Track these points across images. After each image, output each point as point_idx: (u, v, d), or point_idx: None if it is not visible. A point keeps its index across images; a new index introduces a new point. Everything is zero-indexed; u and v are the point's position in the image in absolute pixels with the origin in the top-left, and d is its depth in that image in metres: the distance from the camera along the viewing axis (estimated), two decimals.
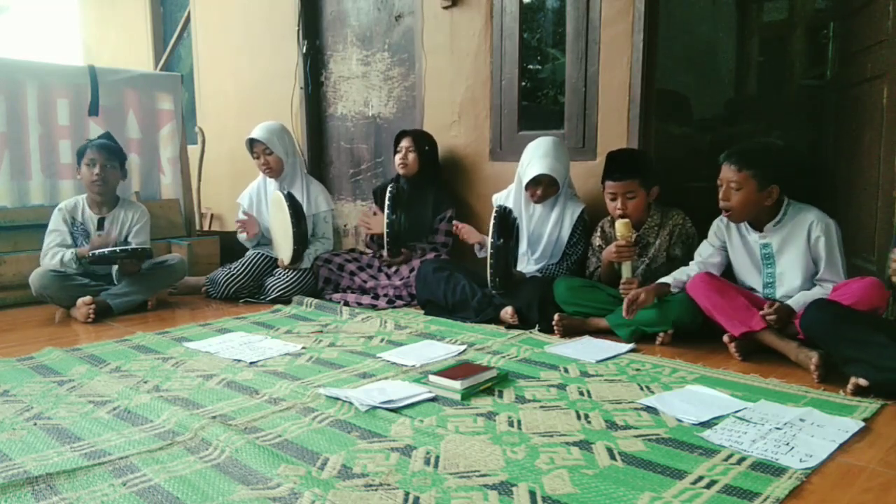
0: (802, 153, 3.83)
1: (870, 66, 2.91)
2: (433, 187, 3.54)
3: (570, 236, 3.04)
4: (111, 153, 3.24)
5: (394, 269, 3.47)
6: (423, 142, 3.52)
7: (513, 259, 2.95)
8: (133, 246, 3.20)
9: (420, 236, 3.51)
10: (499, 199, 3.17)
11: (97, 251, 3.10)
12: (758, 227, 2.48)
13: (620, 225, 2.66)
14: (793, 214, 2.42)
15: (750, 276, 2.54)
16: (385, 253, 3.44)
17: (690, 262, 2.64)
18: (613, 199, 2.75)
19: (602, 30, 3.11)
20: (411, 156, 3.47)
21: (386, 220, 3.32)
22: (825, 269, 2.36)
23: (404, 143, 3.49)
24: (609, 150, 2.88)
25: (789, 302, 2.32)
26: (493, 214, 2.86)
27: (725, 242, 2.58)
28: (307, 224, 3.49)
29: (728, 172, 2.39)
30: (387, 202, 3.31)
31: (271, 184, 3.68)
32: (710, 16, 4.36)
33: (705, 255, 2.61)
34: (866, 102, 2.94)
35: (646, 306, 2.47)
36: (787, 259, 2.42)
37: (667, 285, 2.55)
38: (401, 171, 3.51)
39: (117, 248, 3.14)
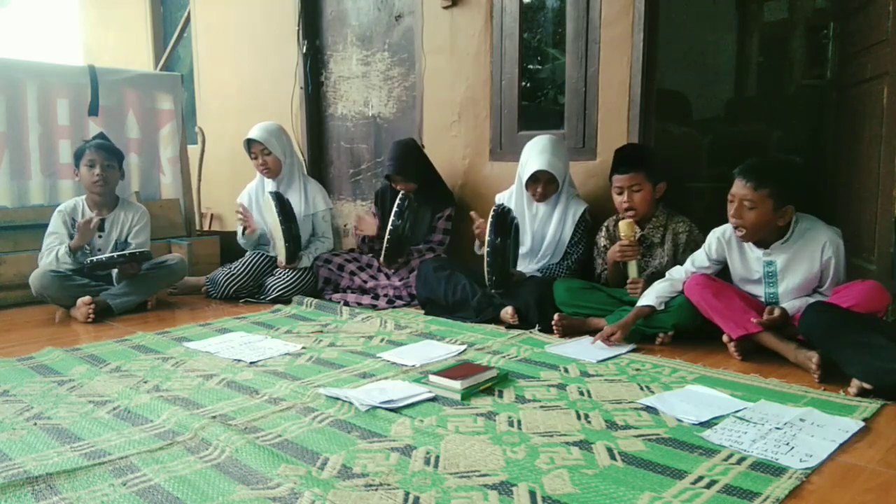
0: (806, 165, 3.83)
1: (870, 66, 2.90)
2: (430, 189, 3.52)
3: (572, 236, 3.04)
4: (110, 153, 3.24)
5: (394, 269, 3.46)
6: (411, 172, 3.44)
7: (512, 259, 2.95)
8: (130, 250, 3.20)
9: (419, 240, 3.50)
10: (501, 199, 3.17)
11: (95, 258, 3.11)
12: (762, 244, 2.39)
13: (623, 225, 2.67)
14: (801, 232, 2.33)
15: (751, 291, 2.49)
16: (381, 260, 3.41)
17: (677, 267, 2.60)
18: (620, 193, 2.74)
19: (602, 30, 3.11)
20: (411, 185, 3.46)
21: (390, 227, 3.28)
22: (828, 287, 2.33)
23: (400, 185, 3.46)
24: (615, 148, 2.86)
25: (785, 306, 2.31)
26: (491, 213, 2.86)
27: (726, 259, 2.53)
28: (299, 222, 3.47)
29: (742, 189, 2.26)
30: (395, 209, 3.27)
31: (269, 184, 3.67)
32: (710, 16, 4.36)
33: (699, 265, 2.55)
34: (866, 102, 2.94)
35: (622, 338, 2.44)
36: (793, 278, 2.36)
37: (648, 307, 2.50)
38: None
39: (115, 254, 3.15)
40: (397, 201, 3.29)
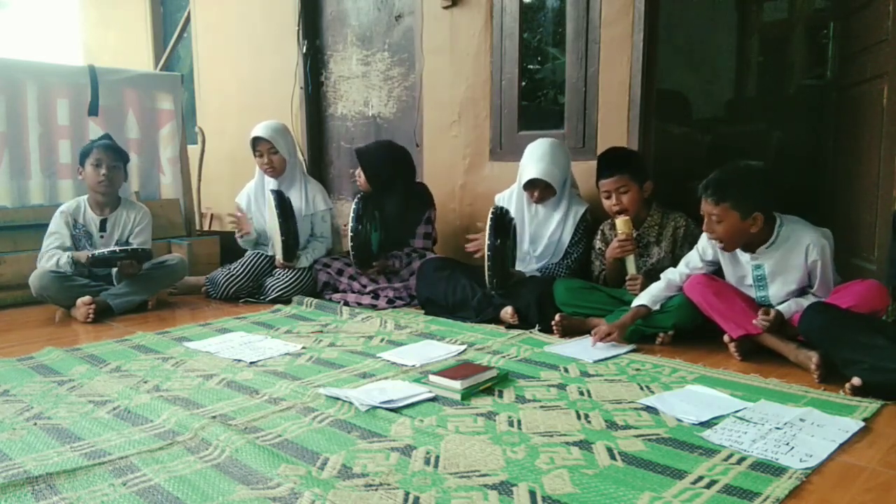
0: (794, 156, 3.83)
1: (870, 66, 2.91)
2: (403, 194, 3.43)
3: (573, 236, 3.04)
4: (117, 154, 3.25)
5: (392, 272, 3.44)
6: (372, 166, 3.41)
7: (511, 259, 2.95)
8: (132, 246, 3.20)
9: (400, 245, 3.45)
10: (501, 199, 3.17)
11: (96, 252, 3.11)
12: (749, 248, 2.40)
13: (620, 222, 2.68)
14: (786, 236, 2.32)
15: (748, 293, 2.48)
16: (354, 266, 3.38)
17: (671, 270, 2.59)
18: (608, 198, 2.76)
19: (602, 30, 3.11)
20: (361, 178, 3.46)
21: (350, 233, 3.25)
22: (817, 287, 2.33)
23: (360, 177, 3.47)
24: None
25: (780, 308, 2.30)
26: (490, 215, 2.86)
27: (719, 261, 2.51)
28: (299, 221, 3.47)
29: (707, 206, 2.31)
30: (352, 213, 3.25)
31: (270, 183, 3.66)
32: (710, 16, 4.36)
33: (693, 266, 2.54)
34: (866, 102, 2.94)
35: (620, 338, 2.44)
36: (781, 281, 2.37)
37: (644, 307, 2.50)
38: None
39: (116, 249, 3.14)
40: (353, 205, 3.27)
